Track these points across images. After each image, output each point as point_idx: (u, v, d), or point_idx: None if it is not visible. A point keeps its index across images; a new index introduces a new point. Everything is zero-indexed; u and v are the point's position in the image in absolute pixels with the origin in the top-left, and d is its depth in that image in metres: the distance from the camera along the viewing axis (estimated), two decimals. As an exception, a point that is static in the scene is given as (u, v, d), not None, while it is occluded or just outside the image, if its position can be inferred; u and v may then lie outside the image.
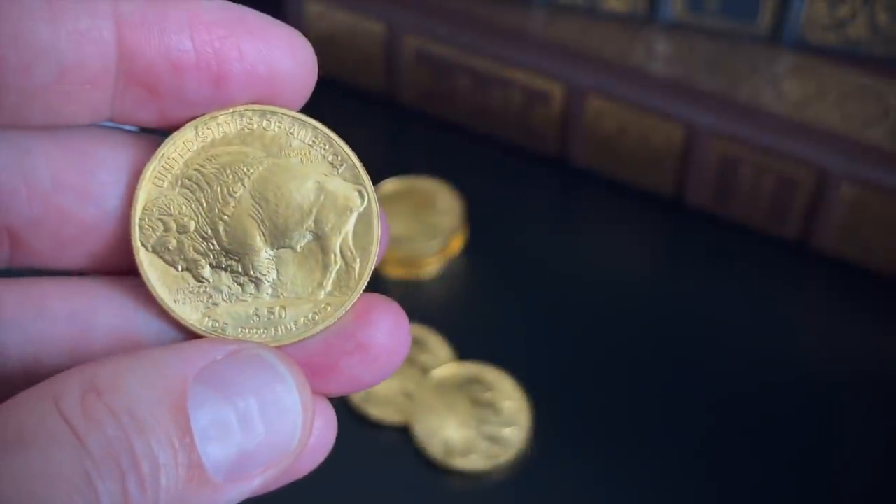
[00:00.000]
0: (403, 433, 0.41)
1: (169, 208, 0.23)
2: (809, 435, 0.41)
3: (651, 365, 0.43)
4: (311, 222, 0.23)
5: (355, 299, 0.23)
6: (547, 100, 0.47)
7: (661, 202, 0.48)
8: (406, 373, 0.42)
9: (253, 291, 0.23)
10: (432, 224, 0.46)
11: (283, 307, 0.23)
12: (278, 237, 0.23)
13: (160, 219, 0.23)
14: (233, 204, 0.23)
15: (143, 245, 0.23)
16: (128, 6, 0.21)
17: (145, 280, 0.23)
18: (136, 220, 0.23)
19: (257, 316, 0.23)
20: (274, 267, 0.23)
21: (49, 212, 0.22)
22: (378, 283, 0.45)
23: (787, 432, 0.41)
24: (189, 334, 0.23)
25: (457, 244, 0.46)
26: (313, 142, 0.24)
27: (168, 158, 0.23)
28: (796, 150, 0.43)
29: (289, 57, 0.22)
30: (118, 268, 0.23)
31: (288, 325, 0.23)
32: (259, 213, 0.23)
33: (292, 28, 0.23)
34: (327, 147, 0.24)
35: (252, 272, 0.23)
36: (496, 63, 0.47)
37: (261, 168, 0.23)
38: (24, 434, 0.18)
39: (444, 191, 0.47)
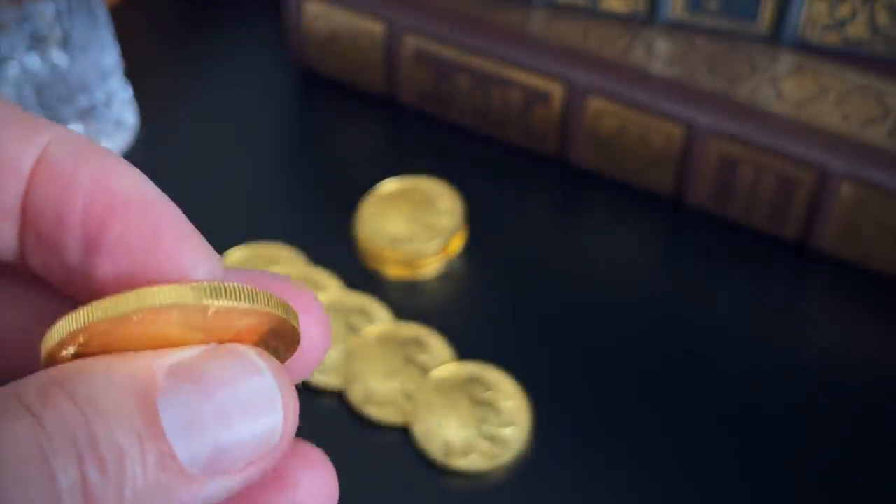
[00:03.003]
0: (403, 433, 0.41)
1: None
2: (809, 434, 0.41)
3: (650, 364, 0.43)
4: None
5: None
6: (547, 100, 0.47)
7: (661, 202, 0.48)
8: (406, 373, 0.42)
9: None
10: (432, 224, 0.46)
11: None
12: None
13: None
14: None
15: None
16: (58, 150, 0.20)
17: None
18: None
19: None
20: None
21: None
22: (378, 283, 0.45)
23: (786, 432, 0.41)
24: None
25: (457, 244, 0.46)
26: None
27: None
28: (796, 150, 0.43)
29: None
30: None
31: None
32: None
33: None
34: None
35: None
36: (496, 63, 0.47)
37: None
38: None
39: (444, 191, 0.47)
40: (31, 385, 0.19)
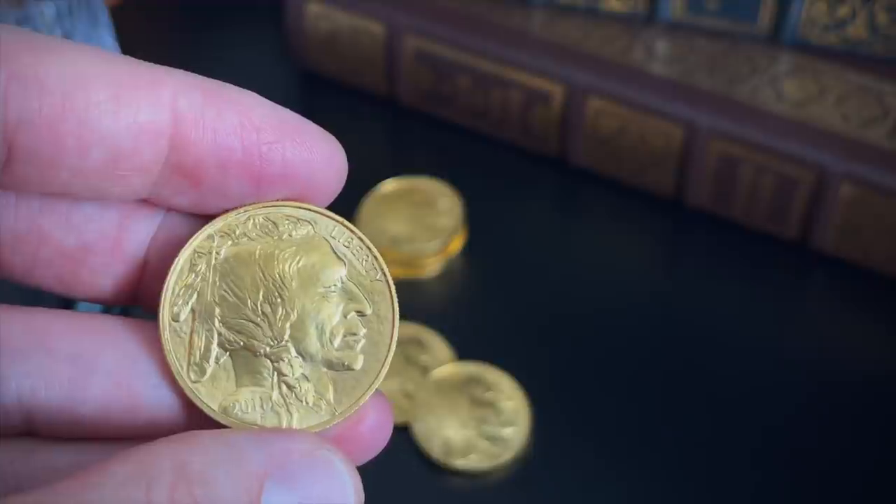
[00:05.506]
0: (403, 433, 0.41)
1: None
2: (809, 435, 0.41)
3: (650, 364, 0.43)
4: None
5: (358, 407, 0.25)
6: (547, 100, 0.47)
7: (661, 202, 0.48)
8: (406, 373, 0.42)
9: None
10: (432, 224, 0.46)
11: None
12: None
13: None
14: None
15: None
16: (186, 103, 0.22)
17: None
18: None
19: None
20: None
21: (31, 230, 0.23)
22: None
23: (787, 432, 0.41)
24: (186, 399, 0.23)
25: (457, 244, 0.46)
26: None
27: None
28: (796, 150, 0.43)
29: (327, 163, 0.24)
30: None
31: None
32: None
33: (329, 134, 0.24)
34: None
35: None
36: (496, 63, 0.47)
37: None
38: None
39: (444, 191, 0.47)
40: (162, 477, 0.20)
